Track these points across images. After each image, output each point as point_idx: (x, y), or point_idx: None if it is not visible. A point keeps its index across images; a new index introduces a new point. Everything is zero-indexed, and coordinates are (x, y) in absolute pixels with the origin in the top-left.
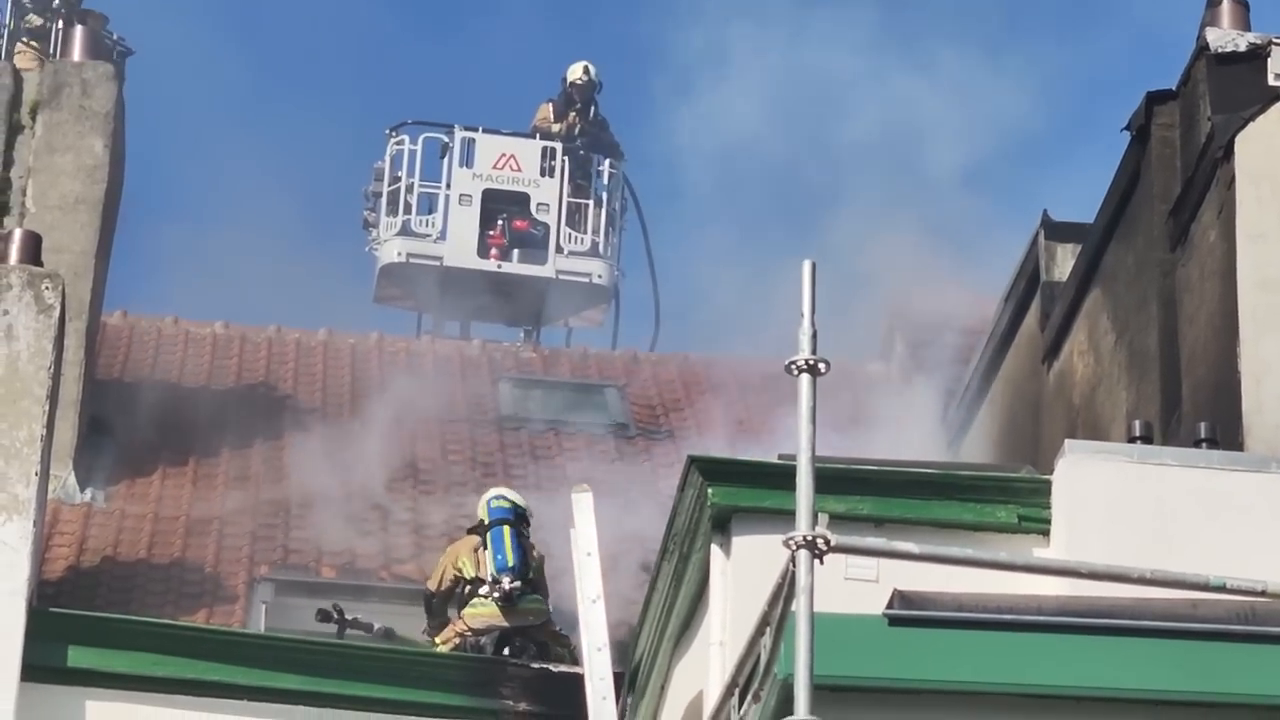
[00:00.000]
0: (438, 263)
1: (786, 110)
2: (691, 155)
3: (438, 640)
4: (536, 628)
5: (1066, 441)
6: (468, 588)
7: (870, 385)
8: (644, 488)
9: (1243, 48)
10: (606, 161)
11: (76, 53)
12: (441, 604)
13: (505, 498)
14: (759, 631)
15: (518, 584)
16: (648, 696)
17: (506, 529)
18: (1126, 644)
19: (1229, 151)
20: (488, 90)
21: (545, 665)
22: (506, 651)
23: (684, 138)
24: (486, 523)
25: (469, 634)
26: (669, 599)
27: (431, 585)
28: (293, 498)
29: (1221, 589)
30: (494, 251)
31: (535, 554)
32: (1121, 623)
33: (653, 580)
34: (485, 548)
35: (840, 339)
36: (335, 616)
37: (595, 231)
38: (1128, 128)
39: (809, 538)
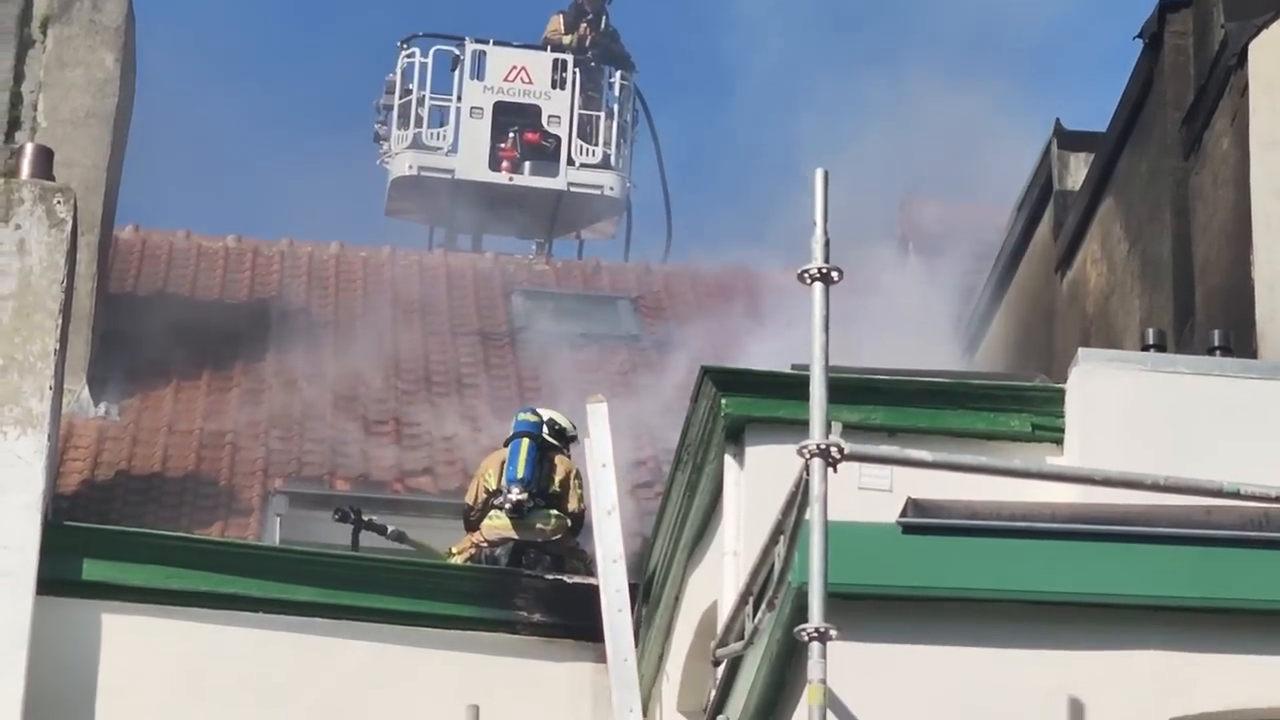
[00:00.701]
0: (449, 176)
1: None
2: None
3: (454, 550)
4: (554, 541)
5: (1080, 350)
6: (491, 500)
7: (884, 295)
8: (657, 399)
9: None
10: (618, 73)
11: None
12: (479, 519)
13: (534, 411)
14: (773, 540)
15: (523, 497)
16: (662, 606)
17: (525, 442)
18: (1140, 551)
19: (1242, 59)
20: (498, 2)
21: (559, 576)
22: (521, 563)
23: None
24: (509, 437)
25: (484, 545)
26: (682, 510)
27: (468, 499)
28: (306, 411)
29: (1235, 495)
30: (505, 164)
31: (566, 470)
32: (1135, 530)
33: (666, 491)
34: None
35: (854, 249)
36: (352, 516)
37: (607, 144)
38: (1140, 35)
39: (823, 446)
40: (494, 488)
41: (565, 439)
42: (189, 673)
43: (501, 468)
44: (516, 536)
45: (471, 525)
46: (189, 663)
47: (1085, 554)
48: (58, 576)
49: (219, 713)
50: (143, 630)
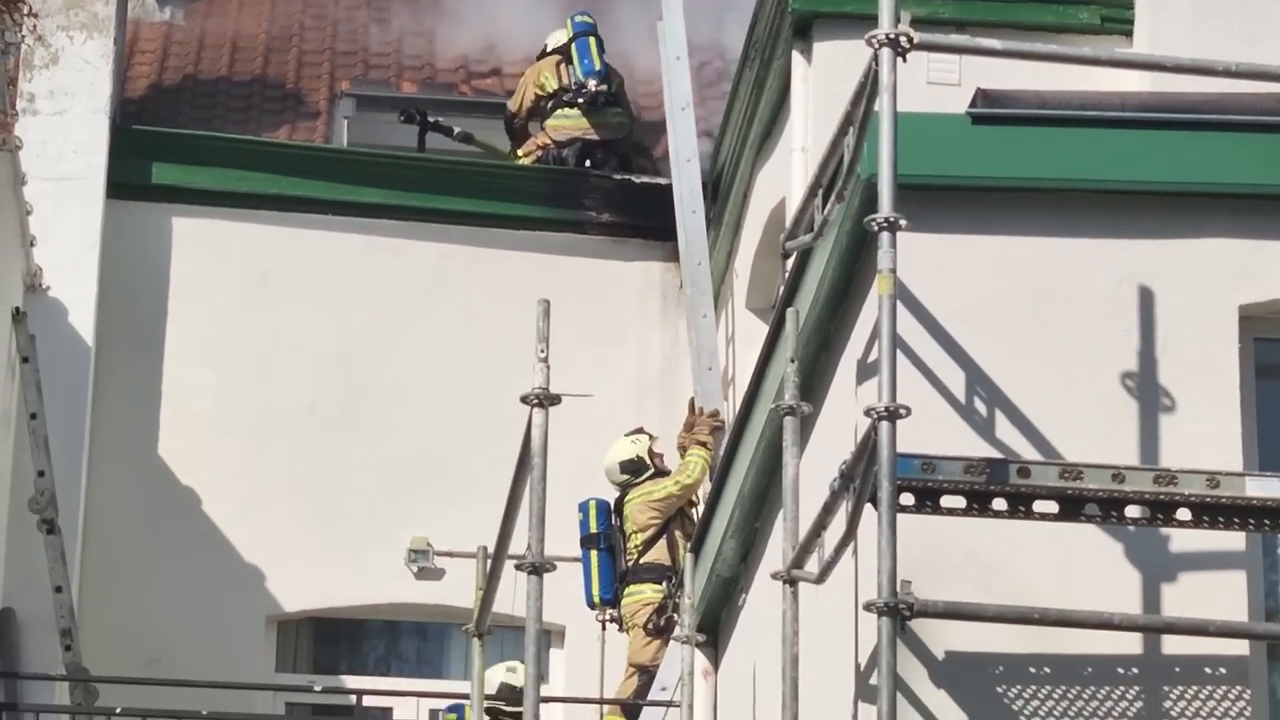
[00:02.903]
0: None
1: None
2: None
3: (520, 152)
4: (619, 140)
5: None
6: (550, 102)
7: None
8: None
9: None
10: None
11: None
12: (524, 125)
13: (589, 14)
14: (841, 132)
15: (604, 87)
16: (730, 204)
17: (592, 39)
18: (1210, 139)
19: None
20: None
21: (628, 176)
22: (588, 164)
23: None
24: (570, 37)
25: (551, 146)
26: (750, 107)
27: (513, 106)
28: (372, 14)
29: None
30: None
31: (617, 74)
32: (1205, 117)
33: (733, 89)
34: (568, 63)
35: None
36: (418, 118)
37: None
38: None
39: (891, 35)
40: (554, 88)
41: None
42: (258, 274)
43: (557, 70)
44: (586, 134)
45: (514, 132)
46: (258, 264)
47: (1155, 142)
48: (127, 180)
49: (288, 314)
50: (212, 233)
